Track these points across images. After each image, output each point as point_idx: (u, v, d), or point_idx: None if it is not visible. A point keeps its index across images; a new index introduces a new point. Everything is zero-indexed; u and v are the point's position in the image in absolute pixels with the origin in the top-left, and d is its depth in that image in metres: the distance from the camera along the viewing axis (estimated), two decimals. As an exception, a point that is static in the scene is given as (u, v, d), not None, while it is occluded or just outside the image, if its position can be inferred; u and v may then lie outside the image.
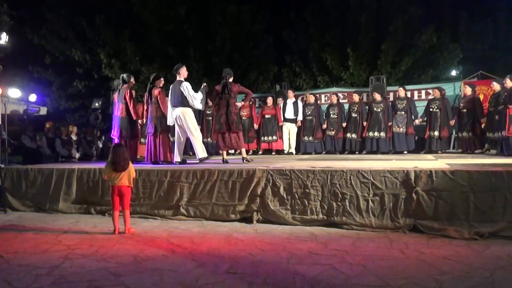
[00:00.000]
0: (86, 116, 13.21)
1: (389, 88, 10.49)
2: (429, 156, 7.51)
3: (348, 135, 9.32)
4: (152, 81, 6.78)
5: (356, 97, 9.59)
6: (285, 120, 9.70)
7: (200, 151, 6.40)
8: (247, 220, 4.77)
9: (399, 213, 4.21)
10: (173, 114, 6.45)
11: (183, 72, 6.55)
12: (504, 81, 7.42)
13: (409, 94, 9.75)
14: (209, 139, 9.74)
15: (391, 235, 4.01)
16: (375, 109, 9.07)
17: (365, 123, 9.15)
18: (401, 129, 8.79)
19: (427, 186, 4.16)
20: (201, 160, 6.32)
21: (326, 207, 4.50)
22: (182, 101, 6.33)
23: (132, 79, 7.13)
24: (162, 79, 6.91)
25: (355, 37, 13.35)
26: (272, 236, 4.09)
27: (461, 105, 8.49)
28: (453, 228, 3.92)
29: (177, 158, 6.48)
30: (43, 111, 11.01)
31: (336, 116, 9.47)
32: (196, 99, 6.38)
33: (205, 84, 6.69)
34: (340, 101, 10.38)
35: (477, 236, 3.77)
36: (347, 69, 13.45)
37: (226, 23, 14.60)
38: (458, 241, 3.74)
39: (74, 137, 10.05)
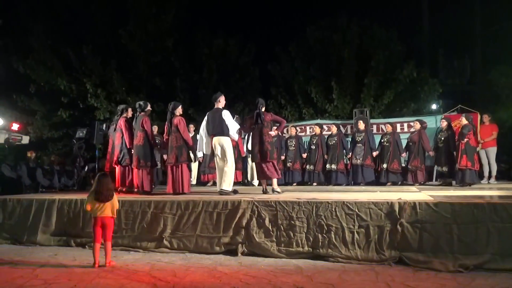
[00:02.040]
0: (70, 145, 13.03)
1: (372, 121, 10.69)
2: (413, 187, 7.59)
3: (308, 166, 9.39)
4: (171, 109, 6.55)
5: (317, 129, 9.74)
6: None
7: (228, 184, 6.16)
8: (232, 252, 4.68)
9: (384, 245, 4.20)
10: (211, 143, 6.33)
11: (223, 101, 6.48)
12: (459, 119, 8.06)
13: (390, 127, 10.01)
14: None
15: (377, 268, 3.98)
16: (329, 142, 9.37)
17: (326, 156, 9.32)
18: (359, 161, 8.98)
19: (412, 218, 4.18)
20: (222, 193, 6.05)
21: (311, 239, 4.47)
22: (223, 130, 6.23)
23: (149, 106, 6.90)
24: (181, 106, 6.71)
25: (338, 70, 13.71)
26: (257, 269, 4.01)
27: (412, 138, 8.81)
28: (438, 260, 3.92)
29: (230, 187, 6.19)
30: (25, 140, 10.83)
31: (294, 148, 9.59)
32: (235, 128, 6.35)
33: (236, 116, 6.70)
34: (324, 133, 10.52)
35: (462, 269, 3.77)
36: (332, 101, 13.72)
37: (213, 55, 14.86)
38: (443, 273, 3.73)
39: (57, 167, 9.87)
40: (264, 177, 6.35)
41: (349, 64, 13.57)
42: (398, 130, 10.22)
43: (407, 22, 17.68)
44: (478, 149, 9.31)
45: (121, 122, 6.87)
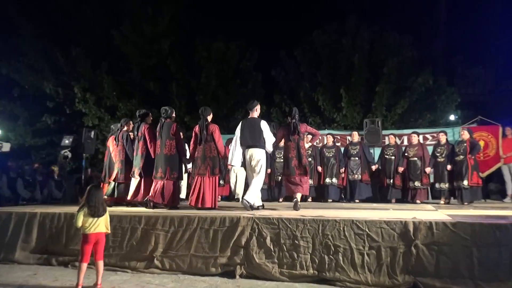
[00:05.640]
0: (54, 154, 13.04)
1: (384, 132, 10.61)
2: (429, 206, 7.55)
3: None
4: (204, 115, 6.51)
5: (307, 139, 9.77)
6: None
7: (259, 198, 6.37)
8: (229, 274, 4.62)
9: (397, 269, 4.14)
10: (245, 154, 6.36)
11: (259, 109, 6.57)
12: (461, 133, 8.23)
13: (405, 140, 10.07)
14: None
15: (389, 294, 3.93)
16: (326, 154, 9.35)
17: (319, 168, 9.30)
18: (356, 175, 9.05)
19: (427, 239, 4.14)
20: (253, 208, 6.13)
21: (317, 261, 4.41)
22: (261, 141, 6.30)
23: (174, 113, 6.94)
24: (211, 113, 6.69)
25: (348, 77, 13.75)
26: (256, 294, 3.96)
27: (410, 153, 8.81)
28: (456, 287, 3.87)
29: (259, 202, 6.35)
30: (6, 147, 10.82)
31: (282, 160, 9.54)
32: (271, 141, 6.41)
33: (272, 123, 6.75)
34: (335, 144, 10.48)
35: (483, 297, 3.72)
36: (340, 110, 13.73)
37: (212, 59, 14.93)
38: (462, 301, 3.67)
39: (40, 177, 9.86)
40: (295, 191, 6.24)
41: (359, 71, 13.62)
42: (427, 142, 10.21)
43: (422, 27, 17.82)
44: (500, 164, 9.31)
45: (145, 130, 6.83)
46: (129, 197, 6.86)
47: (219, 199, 9.44)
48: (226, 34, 15.43)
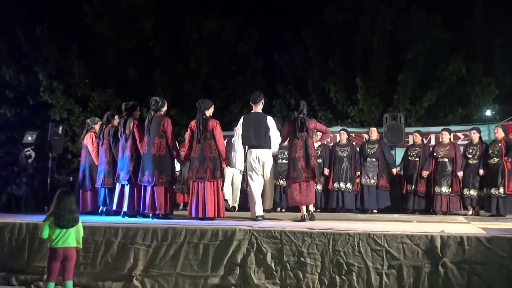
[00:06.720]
0: (15, 153, 13.04)
1: (407, 130, 10.62)
2: (460, 217, 7.59)
3: None
4: (202, 109, 6.55)
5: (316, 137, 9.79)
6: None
7: (268, 204, 6.67)
8: (222, 297, 4.66)
9: (421, 292, 4.18)
10: (248, 155, 6.50)
11: (263, 103, 6.72)
12: (495, 131, 8.29)
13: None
14: None
15: (412, 322, 3.96)
16: (339, 153, 9.32)
17: (326, 170, 9.28)
18: (372, 180, 9.08)
19: (458, 257, 4.16)
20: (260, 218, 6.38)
21: (326, 281, 4.44)
22: (267, 141, 6.45)
23: (166, 105, 6.91)
24: (213, 106, 6.73)
25: (365, 64, 13.76)
26: (254, 320, 3.99)
27: (440, 153, 8.79)
28: (491, 313, 3.90)
29: (260, 211, 6.48)
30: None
31: (285, 162, 9.57)
32: (278, 141, 6.57)
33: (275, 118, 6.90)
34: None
35: (523, 325, 3.75)
36: (356, 103, 13.75)
37: (204, 41, 14.92)
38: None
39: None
40: (302, 201, 6.30)
41: (379, 56, 13.63)
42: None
43: (455, 4, 17.80)
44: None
45: (134, 127, 6.81)
46: (114, 207, 6.90)
47: None
48: (220, 10, 15.43)
